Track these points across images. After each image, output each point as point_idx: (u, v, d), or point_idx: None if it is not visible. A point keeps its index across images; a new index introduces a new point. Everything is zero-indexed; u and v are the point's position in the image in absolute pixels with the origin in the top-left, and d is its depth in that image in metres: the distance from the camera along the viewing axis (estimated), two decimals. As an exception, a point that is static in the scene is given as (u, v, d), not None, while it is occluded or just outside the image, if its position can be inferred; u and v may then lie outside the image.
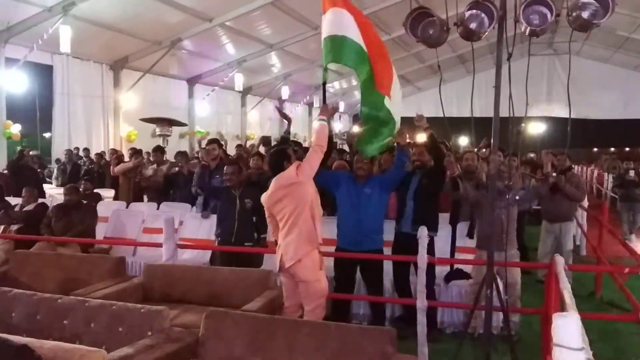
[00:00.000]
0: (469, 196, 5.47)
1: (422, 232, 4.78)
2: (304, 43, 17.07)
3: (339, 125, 30.96)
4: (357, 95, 28.78)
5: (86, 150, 13.65)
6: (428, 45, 4.28)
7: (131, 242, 7.07)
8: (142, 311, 3.74)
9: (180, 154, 9.18)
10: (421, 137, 5.71)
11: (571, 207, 7.40)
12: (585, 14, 3.90)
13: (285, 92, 21.84)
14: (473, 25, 4.03)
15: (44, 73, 14.58)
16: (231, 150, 11.70)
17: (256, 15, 14.36)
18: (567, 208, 7.29)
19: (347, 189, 5.25)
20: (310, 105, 26.92)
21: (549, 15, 3.93)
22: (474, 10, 4.02)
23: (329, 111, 4.57)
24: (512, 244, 5.09)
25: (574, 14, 3.93)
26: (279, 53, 18.03)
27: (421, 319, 4.72)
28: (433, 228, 5.58)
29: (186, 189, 8.01)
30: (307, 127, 27.86)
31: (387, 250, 5.89)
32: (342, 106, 29.01)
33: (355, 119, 32.77)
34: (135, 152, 9.36)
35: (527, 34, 4.02)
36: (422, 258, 4.70)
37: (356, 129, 30.48)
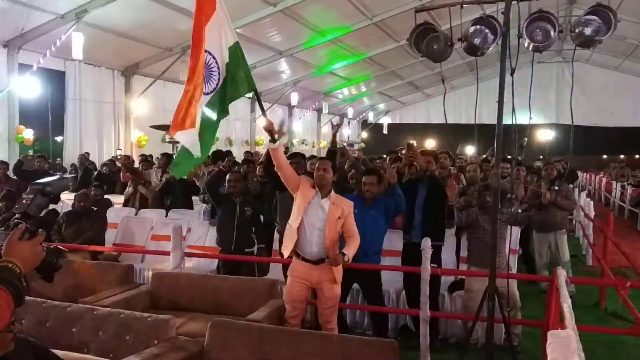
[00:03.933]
0: (462, 223, 5.61)
1: (426, 243, 4.83)
2: (313, 50, 17.19)
3: (348, 132, 31.07)
4: (366, 101, 29.05)
5: (87, 154, 13.68)
6: (432, 60, 4.35)
7: (139, 249, 7.17)
8: (149, 320, 3.82)
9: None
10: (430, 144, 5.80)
11: (564, 216, 7.52)
12: (587, 31, 3.95)
13: (294, 98, 21.95)
14: (477, 41, 4.09)
15: (57, 79, 14.77)
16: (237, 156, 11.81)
17: (266, 23, 14.48)
18: (560, 218, 7.37)
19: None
20: (319, 111, 27.00)
21: (552, 31, 3.98)
22: (478, 26, 4.09)
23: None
24: (503, 257, 5.18)
25: (577, 30, 3.97)
26: (289, 60, 18.14)
27: (424, 330, 4.78)
28: (440, 237, 5.64)
29: (183, 196, 8.14)
30: (315, 133, 27.95)
31: (392, 260, 5.96)
32: (350, 112, 29.11)
33: (365, 125, 32.88)
34: (133, 170, 9.23)
35: (530, 49, 4.07)
36: (425, 269, 4.75)
37: (365, 134, 30.49)
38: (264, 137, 22.10)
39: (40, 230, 1.95)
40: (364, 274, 5.18)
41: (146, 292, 5.11)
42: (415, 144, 5.98)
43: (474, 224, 5.52)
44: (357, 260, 5.07)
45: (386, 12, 15.11)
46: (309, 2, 13.37)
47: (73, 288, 5.15)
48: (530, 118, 4.24)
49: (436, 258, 5.42)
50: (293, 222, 4.62)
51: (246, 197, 6.17)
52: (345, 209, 4.64)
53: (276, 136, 4.43)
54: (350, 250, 4.52)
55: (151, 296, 5.09)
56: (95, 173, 11.77)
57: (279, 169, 4.55)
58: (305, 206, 4.55)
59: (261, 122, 4.51)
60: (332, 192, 4.66)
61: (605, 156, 34.50)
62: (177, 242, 5.59)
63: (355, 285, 5.47)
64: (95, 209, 7.28)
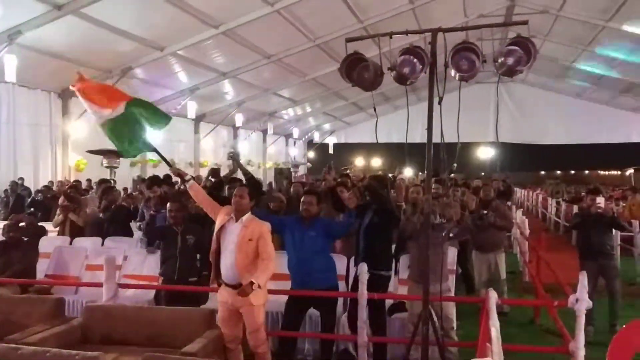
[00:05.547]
0: (407, 227, 5.59)
1: (362, 269, 4.87)
2: (257, 71, 17.19)
3: (295, 151, 31.17)
4: (312, 121, 29.23)
5: (21, 179, 13.20)
6: (364, 89, 4.44)
7: (72, 281, 6.85)
8: (77, 358, 3.68)
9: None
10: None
11: (502, 236, 7.82)
12: (510, 61, 4.12)
13: (239, 119, 21.89)
14: (406, 70, 4.19)
15: (-11, 102, 14.20)
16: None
17: (208, 45, 14.41)
18: (499, 238, 7.61)
19: (291, 232, 5.25)
20: (264, 131, 26.99)
21: (476, 61, 4.13)
22: (406, 56, 4.19)
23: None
24: (444, 277, 5.23)
25: (500, 60, 4.14)
26: (232, 81, 18.06)
27: (362, 354, 4.80)
28: (386, 266, 5.59)
29: (123, 222, 8.01)
30: (261, 154, 27.88)
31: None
32: (296, 132, 29.25)
33: (311, 145, 33.07)
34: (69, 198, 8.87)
35: (456, 78, 4.21)
36: (362, 294, 4.78)
37: (312, 154, 30.53)
38: (208, 160, 21.90)
39: None
40: (318, 297, 5.18)
41: (77, 326, 4.93)
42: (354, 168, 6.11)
43: (414, 237, 5.52)
44: (305, 283, 5.06)
45: (328, 35, 15.33)
46: (251, 25, 13.40)
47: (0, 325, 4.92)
48: (459, 142, 4.34)
49: (378, 286, 5.36)
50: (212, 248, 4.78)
51: (188, 225, 6.01)
52: (259, 231, 4.67)
53: (186, 177, 4.98)
54: (262, 276, 4.48)
55: (83, 330, 4.91)
56: (29, 200, 11.35)
57: (200, 203, 5.00)
58: (219, 231, 4.71)
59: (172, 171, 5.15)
60: (247, 215, 4.74)
61: (543, 172, 35.82)
62: (110, 273, 5.43)
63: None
64: (25, 239, 6.98)
